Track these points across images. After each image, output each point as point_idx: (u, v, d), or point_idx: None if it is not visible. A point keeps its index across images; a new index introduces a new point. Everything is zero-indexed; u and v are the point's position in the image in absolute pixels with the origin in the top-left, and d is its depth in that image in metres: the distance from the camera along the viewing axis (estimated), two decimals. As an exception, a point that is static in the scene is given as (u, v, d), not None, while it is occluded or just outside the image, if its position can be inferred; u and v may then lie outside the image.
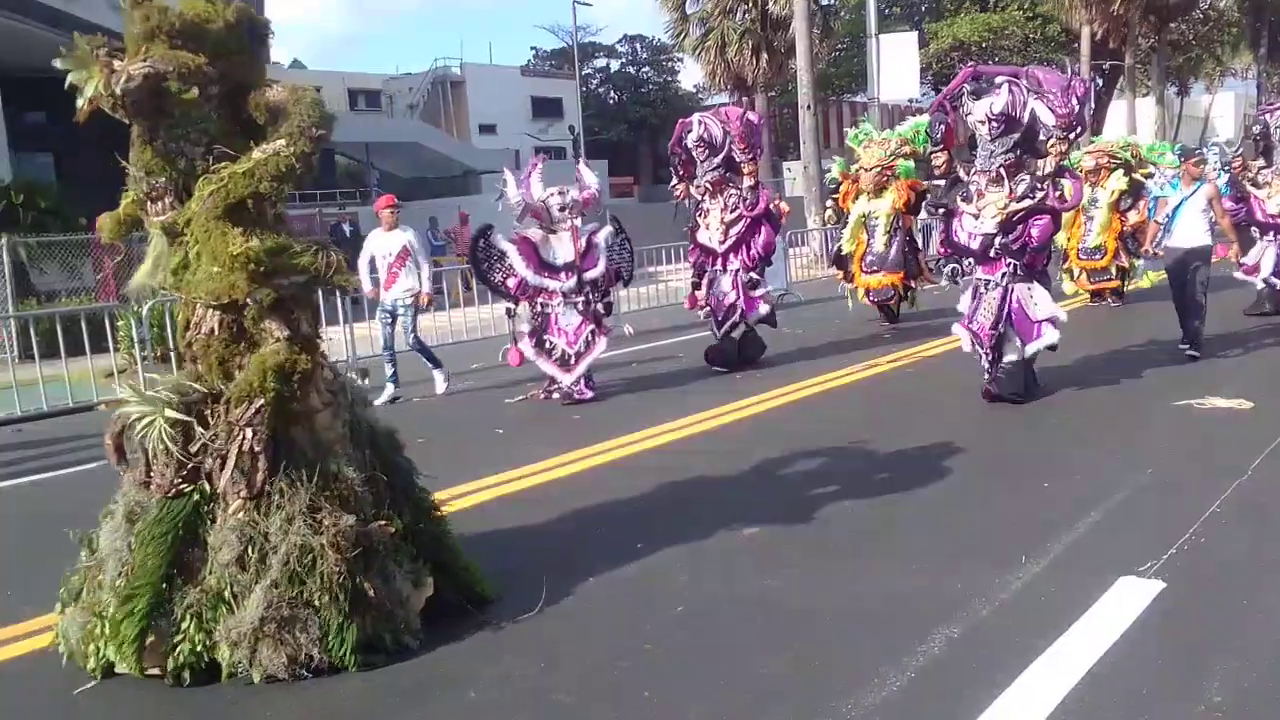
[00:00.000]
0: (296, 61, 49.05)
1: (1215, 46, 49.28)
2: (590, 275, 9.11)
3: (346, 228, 20.99)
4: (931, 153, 8.43)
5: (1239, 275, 11.61)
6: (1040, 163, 7.79)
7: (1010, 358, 7.94)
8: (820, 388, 9.18)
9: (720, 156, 10.07)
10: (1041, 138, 7.75)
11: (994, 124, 7.71)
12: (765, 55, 32.17)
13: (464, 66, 46.01)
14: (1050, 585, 4.34)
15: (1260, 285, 11.61)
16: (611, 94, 56.50)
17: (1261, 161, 11.94)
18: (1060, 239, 13.41)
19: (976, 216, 7.90)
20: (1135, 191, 12.82)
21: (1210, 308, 9.38)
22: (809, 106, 23.15)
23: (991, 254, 7.87)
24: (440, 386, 9.91)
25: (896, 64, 24.41)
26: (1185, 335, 9.22)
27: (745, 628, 4.12)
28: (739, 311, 10.16)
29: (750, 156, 10.08)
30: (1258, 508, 5.24)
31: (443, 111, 44.51)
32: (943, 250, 8.52)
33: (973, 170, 8.01)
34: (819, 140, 24.29)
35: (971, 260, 8.07)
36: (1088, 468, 6.15)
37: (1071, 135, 7.70)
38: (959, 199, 8.09)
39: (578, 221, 9.15)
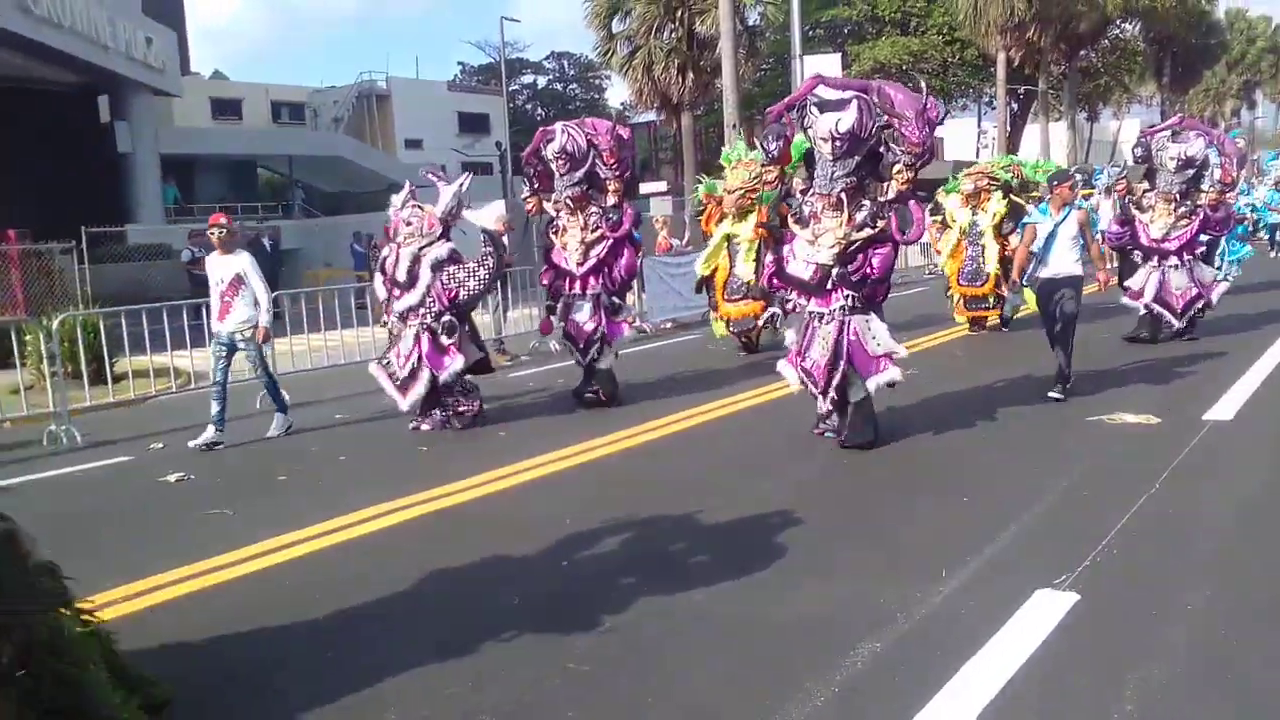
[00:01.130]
0: (218, 72, 48.10)
1: (1122, 75, 51.40)
2: (406, 300, 8.59)
3: (267, 242, 20.52)
4: (764, 167, 7.85)
5: (1125, 300, 11.54)
6: (883, 186, 7.17)
7: (857, 398, 7.25)
8: (740, 405, 9.23)
9: (582, 171, 9.19)
10: (889, 160, 7.08)
11: (838, 143, 6.96)
12: (691, 74, 32.52)
13: (390, 80, 45.61)
14: (970, 598, 4.43)
15: (1143, 310, 11.38)
16: (538, 110, 56.64)
17: (1146, 185, 11.63)
18: (945, 266, 13.11)
19: (812, 242, 7.18)
20: (1016, 214, 11.89)
21: (1102, 331, 9.05)
22: (735, 125, 23.42)
23: (829, 285, 7.18)
24: (274, 430, 8.96)
25: (820, 85, 24.80)
26: (1058, 375, 8.69)
27: (673, 644, 4.12)
28: (601, 336, 9.29)
29: (618, 174, 9.22)
30: (1166, 520, 5.41)
31: (368, 125, 44.07)
32: (772, 284, 7.64)
33: (810, 191, 7.29)
34: (744, 159, 24.53)
35: (805, 294, 7.35)
36: (1006, 482, 6.29)
37: (919, 164, 6.98)
38: (791, 220, 7.33)
39: (400, 238, 8.67)
